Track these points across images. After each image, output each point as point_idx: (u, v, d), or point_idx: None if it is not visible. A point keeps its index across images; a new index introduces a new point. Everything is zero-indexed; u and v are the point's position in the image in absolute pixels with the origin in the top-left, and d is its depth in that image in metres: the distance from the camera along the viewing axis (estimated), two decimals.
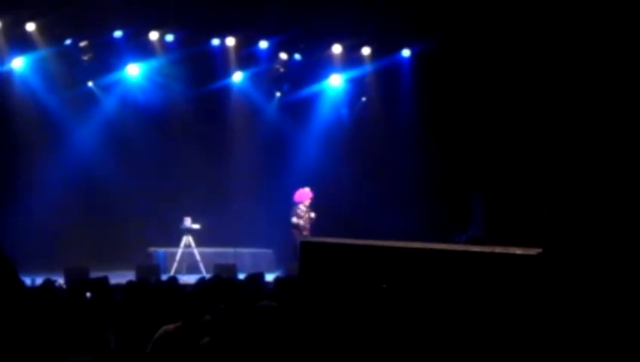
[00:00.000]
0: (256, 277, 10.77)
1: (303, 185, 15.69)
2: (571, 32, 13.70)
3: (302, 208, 15.33)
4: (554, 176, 14.53)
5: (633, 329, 2.80)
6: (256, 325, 5.85)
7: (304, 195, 15.41)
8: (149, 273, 13.09)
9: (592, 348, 2.81)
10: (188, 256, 16.62)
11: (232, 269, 14.06)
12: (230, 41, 17.87)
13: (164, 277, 12.56)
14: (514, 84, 15.70)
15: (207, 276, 13.14)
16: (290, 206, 15.53)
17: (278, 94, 19.33)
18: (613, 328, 2.80)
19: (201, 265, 16.31)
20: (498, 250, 3.15)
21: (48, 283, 9.44)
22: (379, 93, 19.07)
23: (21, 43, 16.44)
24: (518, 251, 2.99)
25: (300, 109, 19.26)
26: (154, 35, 17.23)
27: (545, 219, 14.07)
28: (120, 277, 11.59)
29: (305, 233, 15.08)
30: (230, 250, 16.76)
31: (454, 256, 3.31)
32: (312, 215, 15.32)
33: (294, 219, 15.26)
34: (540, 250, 2.87)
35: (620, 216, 11.89)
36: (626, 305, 2.81)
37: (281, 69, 18.70)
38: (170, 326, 6.43)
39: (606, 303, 2.82)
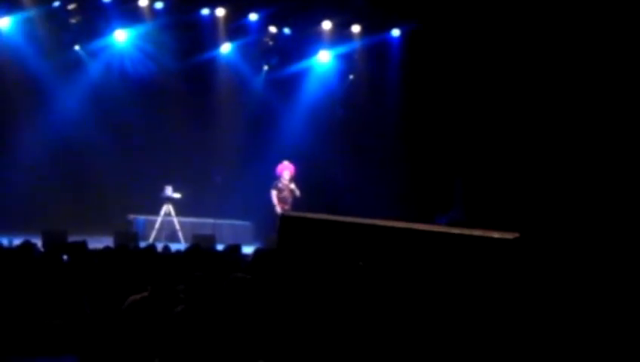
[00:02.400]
0: (235, 249, 10.79)
1: (286, 160, 15.71)
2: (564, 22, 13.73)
3: (282, 181, 15.35)
4: (535, 163, 14.60)
5: (610, 312, 2.82)
6: (230, 295, 5.87)
7: (283, 168, 15.44)
8: (127, 240, 13.06)
9: (569, 329, 2.84)
10: (167, 224, 16.63)
11: (211, 240, 14.08)
12: (220, 12, 17.78)
13: (142, 245, 12.55)
14: (502, 68, 15.71)
15: (186, 245, 13.17)
16: (272, 179, 15.55)
17: (265, 68, 19.25)
18: (589, 310, 2.83)
19: (180, 235, 16.33)
20: (476, 232, 3.16)
21: (27, 245, 9.40)
22: (367, 72, 19.04)
23: (8, 2, 16.26)
24: (496, 235, 3.00)
25: (288, 85, 19.21)
26: (143, 2, 17.11)
27: (524, 203, 14.16)
28: (98, 243, 11.58)
29: (286, 207, 15.09)
30: (210, 220, 16.78)
31: (432, 236, 3.32)
32: (293, 186, 15.32)
33: (274, 192, 15.29)
34: (517, 234, 2.89)
35: (598, 203, 11.97)
36: (602, 288, 2.84)
37: (270, 42, 18.62)
38: (137, 296, 6.42)
39: (582, 287, 2.85)
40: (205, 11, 17.76)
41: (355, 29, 18.37)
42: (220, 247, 12.19)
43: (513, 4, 14.69)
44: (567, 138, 13.63)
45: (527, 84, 15.10)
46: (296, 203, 15.33)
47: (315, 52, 18.90)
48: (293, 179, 15.49)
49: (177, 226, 16.51)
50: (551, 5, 13.97)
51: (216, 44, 18.47)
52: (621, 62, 12.87)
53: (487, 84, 16.16)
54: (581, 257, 2.90)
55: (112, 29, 17.40)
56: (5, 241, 11.40)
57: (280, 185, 15.31)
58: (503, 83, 15.69)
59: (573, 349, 2.84)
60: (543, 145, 14.43)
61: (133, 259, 8.98)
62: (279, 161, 15.73)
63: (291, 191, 15.31)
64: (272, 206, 15.31)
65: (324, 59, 19.03)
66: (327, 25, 18.20)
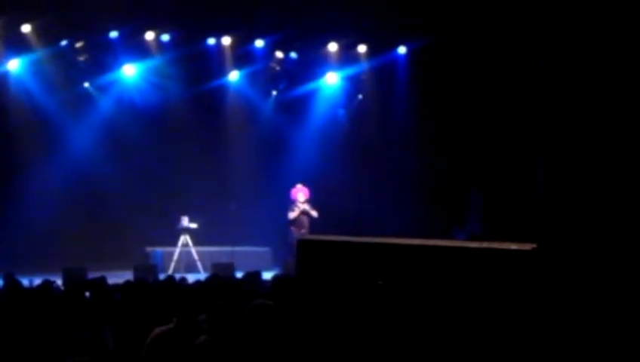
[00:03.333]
0: (254, 276, 10.78)
1: (299, 183, 15.72)
2: (569, 28, 13.72)
3: (298, 205, 15.35)
4: (550, 173, 14.56)
5: (626, 322, 2.81)
6: (251, 323, 5.85)
7: (297, 191, 15.45)
8: (146, 273, 13.08)
9: (585, 340, 2.83)
10: (185, 255, 16.64)
11: (230, 268, 14.08)
12: (226, 40, 17.84)
13: (161, 277, 12.55)
14: (510, 81, 15.71)
15: (205, 275, 13.17)
16: (287, 204, 15.54)
17: (274, 93, 19.34)
18: (605, 321, 2.81)
19: (199, 264, 16.34)
20: (494, 245, 3.16)
21: (47, 284, 9.43)
22: (375, 91, 19.06)
23: (17, 44, 16.39)
24: (514, 246, 2.99)
25: (297, 108, 19.27)
26: (150, 35, 17.21)
27: (540, 214, 14.10)
28: (118, 277, 11.56)
29: (303, 231, 15.08)
30: (228, 248, 16.77)
31: (450, 252, 3.32)
32: (308, 207, 15.31)
33: (291, 216, 15.28)
34: (534, 245, 2.88)
35: (613, 213, 11.91)
36: (618, 298, 2.82)
37: (277, 68, 18.69)
38: (163, 328, 6.41)
39: (598, 297, 2.83)
40: (211, 41, 17.83)
41: (361, 48, 18.41)
42: (239, 275, 12.18)
43: (517, 15, 14.71)
44: (585, 149, 13.58)
45: (537, 95, 15.08)
46: (314, 225, 15.33)
47: (322, 74, 18.96)
48: (308, 201, 15.50)
49: (196, 256, 16.53)
50: (561, 18, 13.97)
51: (224, 73, 18.55)
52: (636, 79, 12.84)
53: (497, 96, 16.15)
54: (599, 267, 2.89)
55: (120, 64, 17.51)
56: (26, 282, 11.41)
57: (295, 208, 15.31)
58: (514, 92, 15.68)
59: (591, 358, 2.83)
60: (558, 156, 14.39)
61: (154, 292, 8.98)
62: (293, 185, 15.74)
63: (307, 213, 15.31)
64: (288, 230, 15.30)
65: (331, 80, 19.09)
66: (333, 47, 18.24)
